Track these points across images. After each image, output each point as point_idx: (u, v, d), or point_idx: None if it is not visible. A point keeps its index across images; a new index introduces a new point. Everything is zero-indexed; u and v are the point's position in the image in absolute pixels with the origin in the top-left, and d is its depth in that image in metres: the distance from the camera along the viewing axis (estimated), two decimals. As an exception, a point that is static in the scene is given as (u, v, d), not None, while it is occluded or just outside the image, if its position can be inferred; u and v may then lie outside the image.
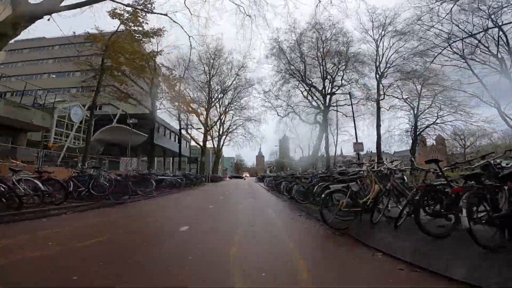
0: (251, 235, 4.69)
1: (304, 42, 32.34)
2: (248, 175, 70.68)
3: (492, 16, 19.72)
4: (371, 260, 3.28)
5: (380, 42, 29.64)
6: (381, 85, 28.48)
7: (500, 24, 19.94)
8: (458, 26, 21.56)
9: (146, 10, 14.67)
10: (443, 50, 22.18)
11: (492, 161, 3.88)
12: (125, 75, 18.41)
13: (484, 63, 22.16)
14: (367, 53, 30.09)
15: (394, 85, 30.39)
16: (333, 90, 31.93)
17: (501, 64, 21.29)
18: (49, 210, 6.37)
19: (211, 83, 33.33)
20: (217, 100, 34.24)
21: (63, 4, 8.49)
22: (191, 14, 13.42)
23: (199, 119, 31.83)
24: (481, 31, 20.45)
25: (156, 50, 19.55)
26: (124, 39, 16.03)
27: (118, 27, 16.03)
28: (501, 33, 20.39)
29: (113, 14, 15.79)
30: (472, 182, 3.47)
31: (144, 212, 7.44)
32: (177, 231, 4.85)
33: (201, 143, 32.73)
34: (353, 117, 21.69)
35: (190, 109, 24.49)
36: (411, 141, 38.86)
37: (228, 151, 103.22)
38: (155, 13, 13.72)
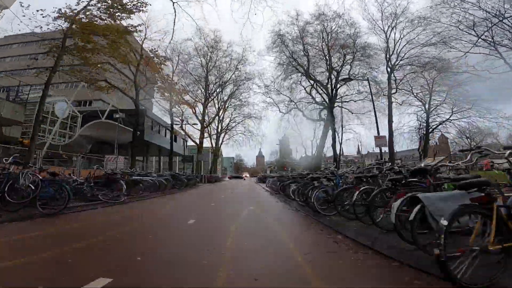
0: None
1: (308, 34, 29.39)
2: (248, 175, 67.48)
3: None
4: None
5: (391, 33, 26.65)
6: (393, 77, 25.43)
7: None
8: (487, 12, 18.49)
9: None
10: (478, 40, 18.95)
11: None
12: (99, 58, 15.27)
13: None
14: (376, 45, 27.08)
15: (404, 80, 27.37)
16: (339, 85, 28.87)
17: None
18: None
19: (209, 77, 30.35)
20: (215, 95, 31.26)
21: None
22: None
23: (194, 113, 28.84)
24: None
25: (142, 33, 16.50)
26: (96, 15, 13.05)
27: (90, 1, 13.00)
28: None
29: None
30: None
31: (63, 233, 4.41)
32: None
33: (198, 141, 29.64)
34: (372, 101, 18.45)
35: (182, 100, 21.35)
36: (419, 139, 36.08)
37: (227, 151, 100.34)
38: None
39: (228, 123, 34.72)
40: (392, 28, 26.49)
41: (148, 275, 2.49)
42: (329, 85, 28.41)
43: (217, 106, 32.22)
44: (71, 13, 13.20)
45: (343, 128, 32.56)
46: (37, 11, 13.63)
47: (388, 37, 26.83)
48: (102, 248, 3.52)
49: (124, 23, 14.39)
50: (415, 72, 26.06)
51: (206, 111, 31.96)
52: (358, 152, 65.90)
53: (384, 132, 28.27)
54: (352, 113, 31.00)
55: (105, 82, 16.74)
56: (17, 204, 5.36)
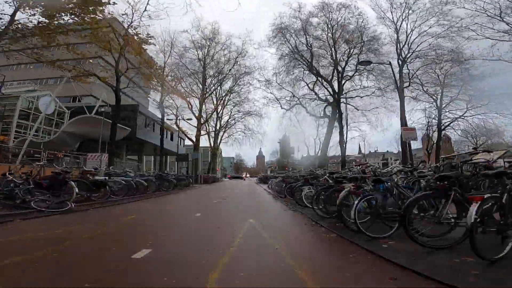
0: None
1: (311, 27, 26.88)
2: (248, 175, 64.85)
3: None
4: None
5: (401, 24, 24.18)
6: (406, 68, 22.94)
7: None
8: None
9: None
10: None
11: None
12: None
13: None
14: (385, 35, 24.58)
15: (415, 74, 24.83)
16: (344, 80, 26.29)
17: None
18: None
19: (206, 71, 27.78)
20: (213, 89, 28.70)
21: None
22: None
23: (190, 109, 26.25)
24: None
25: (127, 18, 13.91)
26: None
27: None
28: None
29: None
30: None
31: None
32: None
33: (194, 139, 27.07)
34: (398, 87, 15.91)
35: (173, 90, 18.66)
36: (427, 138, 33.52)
37: (227, 151, 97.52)
38: None
39: (228, 121, 32.26)
40: (403, 20, 24.08)
41: None
42: (334, 80, 25.92)
43: (215, 101, 29.71)
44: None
45: (348, 126, 29.91)
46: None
47: (398, 28, 24.39)
48: None
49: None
50: (430, 64, 23.55)
51: (205, 107, 29.50)
52: (360, 152, 63.29)
53: (392, 130, 25.58)
54: (358, 109, 28.60)
55: (84, 71, 14.16)
56: None
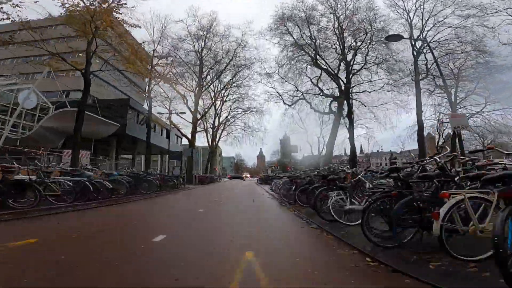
0: None
1: (315, 18, 24.35)
2: (248, 175, 62.10)
3: None
4: None
5: (415, 11, 21.65)
6: (424, 58, 20.44)
7: None
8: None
9: None
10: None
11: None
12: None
13: None
14: (400, 26, 22.02)
15: (431, 67, 22.25)
16: (350, 75, 23.71)
17: None
18: None
19: (203, 64, 25.23)
20: (210, 83, 26.10)
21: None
22: None
23: (185, 104, 23.68)
24: None
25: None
26: None
27: None
28: None
29: None
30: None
31: None
32: None
33: (190, 136, 24.42)
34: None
35: (162, 77, 15.92)
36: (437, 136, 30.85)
37: (227, 151, 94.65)
38: None
39: (227, 117, 29.74)
40: (417, 8, 21.56)
41: None
42: (342, 71, 23.42)
43: (212, 94, 27.17)
44: None
45: (354, 124, 27.25)
46: None
47: (412, 17, 21.86)
48: None
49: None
50: (444, 55, 20.99)
51: (202, 103, 26.98)
52: (361, 151, 60.50)
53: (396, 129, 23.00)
54: (365, 106, 26.06)
55: (47, 51, 11.53)
56: None
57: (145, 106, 25.85)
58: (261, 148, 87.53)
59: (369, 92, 24.94)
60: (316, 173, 7.14)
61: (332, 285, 2.16)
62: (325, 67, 24.54)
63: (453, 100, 24.54)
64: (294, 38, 24.78)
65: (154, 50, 17.65)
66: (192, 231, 4.46)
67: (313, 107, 25.20)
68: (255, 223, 5.15)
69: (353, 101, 24.76)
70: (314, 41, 24.39)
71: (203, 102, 27.54)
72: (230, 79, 26.31)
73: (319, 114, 27.69)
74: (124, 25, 12.66)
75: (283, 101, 25.79)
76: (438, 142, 30.46)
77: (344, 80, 23.20)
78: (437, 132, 29.31)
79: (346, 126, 26.77)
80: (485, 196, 2.34)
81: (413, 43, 20.99)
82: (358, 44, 22.75)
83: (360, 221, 3.61)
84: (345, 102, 23.08)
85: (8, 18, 10.19)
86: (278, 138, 57.99)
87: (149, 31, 19.45)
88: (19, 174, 5.17)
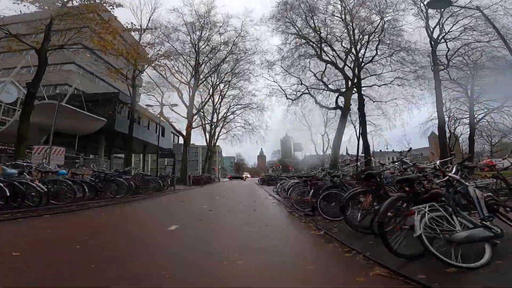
0: None
1: (320, 9, 22.04)
2: (249, 175, 59.54)
3: None
4: None
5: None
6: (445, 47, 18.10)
7: None
8: None
9: None
10: None
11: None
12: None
13: None
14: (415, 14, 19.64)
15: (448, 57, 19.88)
16: (357, 69, 21.35)
17: None
18: None
19: (199, 56, 22.88)
20: (207, 76, 23.72)
21: None
22: None
23: (180, 97, 21.31)
24: None
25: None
26: None
27: None
28: None
29: None
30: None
31: None
32: None
33: (183, 133, 21.96)
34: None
35: (147, 61, 13.38)
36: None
37: (228, 150, 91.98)
38: None
39: (226, 114, 27.39)
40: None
41: None
42: (351, 62, 21.06)
43: (210, 88, 24.80)
44: None
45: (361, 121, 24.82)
46: None
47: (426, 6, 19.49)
48: None
49: None
50: (468, 44, 18.56)
51: (201, 98, 24.64)
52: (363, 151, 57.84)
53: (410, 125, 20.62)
54: (374, 101, 23.71)
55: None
56: None
57: (140, 102, 23.53)
58: (261, 148, 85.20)
59: (378, 86, 22.68)
60: (349, 170, 4.73)
61: None
62: (331, 60, 22.31)
63: (469, 94, 22.30)
64: (297, 28, 22.49)
65: (141, 33, 15.20)
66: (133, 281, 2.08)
67: (319, 102, 22.85)
68: (256, 262, 2.76)
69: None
70: (319, 32, 22.13)
71: (201, 97, 25.26)
72: (230, 71, 23.97)
73: (323, 111, 25.52)
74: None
75: (286, 96, 23.50)
76: (449, 140, 28.08)
77: (352, 73, 20.89)
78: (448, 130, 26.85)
79: (352, 123, 24.65)
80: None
81: (430, 31, 18.63)
82: (369, 32, 20.43)
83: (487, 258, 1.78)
84: (356, 94, 20.72)
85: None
86: (279, 137, 55.63)
87: (136, 14, 17.07)
88: None
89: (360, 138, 22.36)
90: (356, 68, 19.92)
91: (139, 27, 15.55)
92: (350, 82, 21.52)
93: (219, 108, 27.02)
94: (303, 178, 6.42)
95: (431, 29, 18.59)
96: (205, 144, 27.90)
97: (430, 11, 18.81)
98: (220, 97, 26.19)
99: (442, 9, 19.06)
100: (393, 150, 58.50)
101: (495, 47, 18.25)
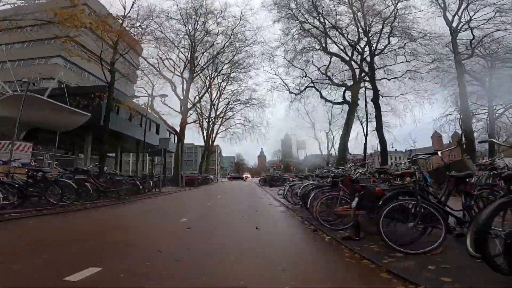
0: None
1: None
2: (249, 175, 57.26)
3: None
4: None
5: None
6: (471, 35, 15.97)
7: None
8: None
9: None
10: None
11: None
12: None
13: None
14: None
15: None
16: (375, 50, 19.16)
17: None
18: None
19: (196, 47, 20.75)
20: (203, 67, 21.54)
21: None
22: None
23: (174, 90, 19.11)
24: None
25: None
26: None
27: None
28: None
29: None
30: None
31: None
32: None
33: (177, 130, 19.68)
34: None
35: (108, 27, 10.72)
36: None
37: (228, 150, 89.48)
38: None
39: (224, 110, 25.25)
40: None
41: None
42: (357, 57, 18.94)
43: (207, 82, 22.67)
44: None
45: (368, 117, 22.63)
46: None
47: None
48: None
49: None
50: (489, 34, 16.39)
51: (199, 91, 22.49)
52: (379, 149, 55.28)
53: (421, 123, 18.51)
54: (382, 96, 21.61)
55: None
56: None
57: (134, 96, 21.28)
58: (262, 148, 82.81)
59: (388, 80, 20.61)
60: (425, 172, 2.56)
61: None
62: (337, 53, 20.28)
63: (487, 87, 20.18)
64: (301, 18, 20.40)
65: (125, 14, 13.07)
66: None
67: (324, 96, 20.74)
68: None
69: (368, 91, 20.46)
70: (324, 23, 20.06)
71: (198, 90, 23.12)
72: (228, 61, 21.81)
73: (327, 108, 23.45)
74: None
75: (289, 90, 21.40)
76: (463, 137, 25.91)
77: (357, 65, 18.82)
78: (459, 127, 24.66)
79: (359, 119, 22.62)
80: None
81: (451, 19, 16.50)
82: (382, 20, 18.31)
83: None
84: (363, 89, 18.66)
85: None
86: (279, 137, 53.50)
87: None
88: None
89: (368, 135, 20.29)
90: (369, 57, 17.74)
91: (123, 8, 13.37)
92: (358, 75, 19.51)
93: (217, 104, 24.97)
94: (331, 179, 4.23)
95: (452, 16, 16.45)
96: (201, 144, 25.84)
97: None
98: (218, 92, 24.12)
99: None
100: (395, 150, 56.19)
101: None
